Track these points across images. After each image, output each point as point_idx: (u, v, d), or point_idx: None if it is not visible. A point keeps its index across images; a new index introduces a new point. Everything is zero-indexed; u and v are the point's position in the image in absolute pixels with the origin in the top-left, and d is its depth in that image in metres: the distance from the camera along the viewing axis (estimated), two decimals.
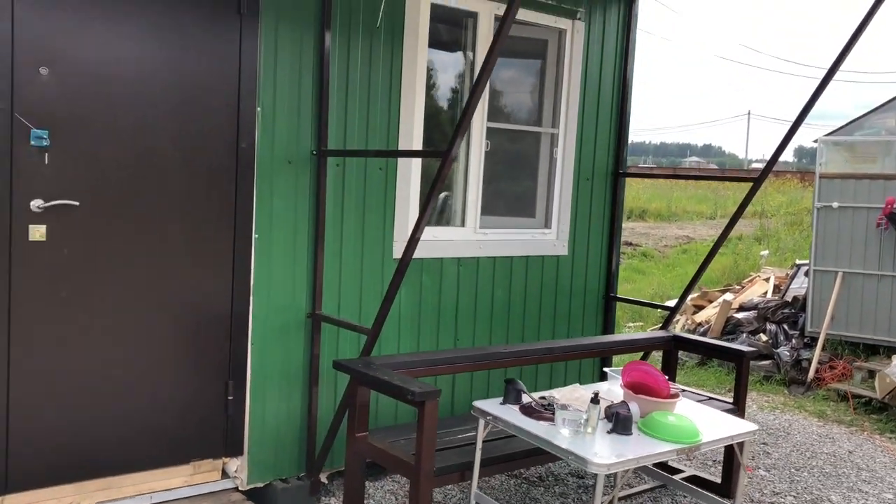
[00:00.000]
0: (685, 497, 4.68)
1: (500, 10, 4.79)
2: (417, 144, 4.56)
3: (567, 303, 5.42)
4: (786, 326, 8.27)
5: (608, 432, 3.35)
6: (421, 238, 4.30)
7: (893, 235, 7.46)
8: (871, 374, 7.20)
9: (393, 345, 4.60)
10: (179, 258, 3.83)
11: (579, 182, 5.39)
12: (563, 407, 3.37)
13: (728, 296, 9.32)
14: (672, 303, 8.69)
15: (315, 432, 4.30)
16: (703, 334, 8.65)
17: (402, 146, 4.50)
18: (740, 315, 8.66)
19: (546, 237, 5.25)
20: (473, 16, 4.77)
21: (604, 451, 3.15)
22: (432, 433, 3.36)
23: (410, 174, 4.54)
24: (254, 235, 4.03)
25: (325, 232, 4.24)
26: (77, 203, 3.51)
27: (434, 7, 4.55)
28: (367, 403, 3.76)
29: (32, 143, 3.39)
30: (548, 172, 5.29)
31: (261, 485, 4.20)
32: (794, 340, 8.04)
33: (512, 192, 5.25)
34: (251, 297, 4.05)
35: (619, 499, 4.48)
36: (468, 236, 4.86)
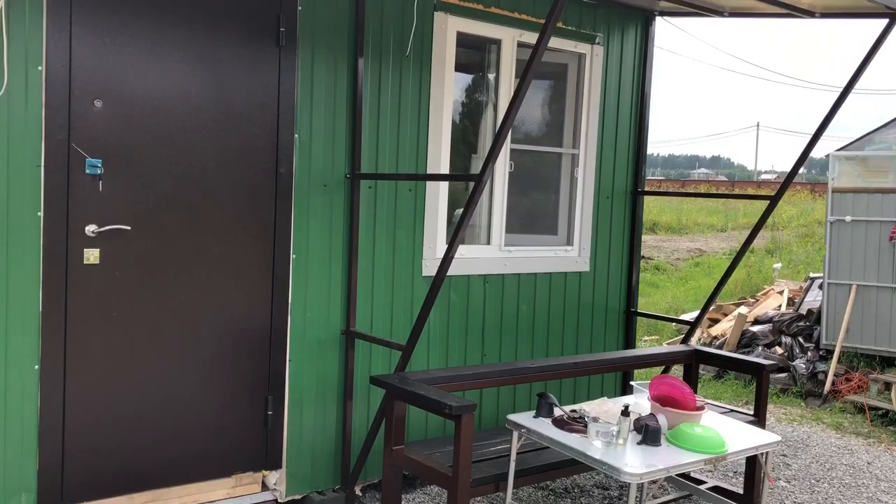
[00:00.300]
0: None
1: (523, 36, 4.97)
2: (445, 166, 4.73)
3: (589, 318, 5.57)
4: (801, 339, 8.38)
5: (638, 443, 3.49)
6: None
7: None
8: (888, 385, 7.30)
9: (423, 360, 4.75)
10: (222, 279, 4.01)
11: (599, 200, 5.55)
12: (595, 419, 3.52)
13: (743, 309, 9.43)
14: (688, 316, 8.81)
15: (350, 445, 4.46)
16: (719, 347, 8.77)
17: (430, 168, 4.67)
18: (756, 328, 8.78)
19: (568, 254, 5.41)
20: (497, 42, 4.95)
21: (635, 462, 3.29)
22: (469, 445, 3.51)
23: (438, 195, 4.71)
24: (292, 256, 4.20)
25: (358, 251, 4.40)
26: (129, 228, 3.69)
27: (460, 35, 4.73)
28: (404, 417, 3.91)
29: (87, 171, 3.58)
30: (569, 191, 5.45)
31: (298, 497, 4.35)
32: (809, 353, 8.15)
33: (535, 211, 5.42)
34: (289, 315, 4.22)
35: None
36: (494, 254, 5.03)
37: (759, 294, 10.40)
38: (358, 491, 4.57)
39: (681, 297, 12.89)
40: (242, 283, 4.07)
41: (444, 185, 4.75)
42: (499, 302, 5.08)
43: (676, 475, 4.45)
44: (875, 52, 4.48)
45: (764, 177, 54.01)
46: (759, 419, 4.68)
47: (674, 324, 10.51)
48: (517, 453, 3.79)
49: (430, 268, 4.71)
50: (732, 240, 19.73)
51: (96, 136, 3.59)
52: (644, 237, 21.03)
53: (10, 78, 3.36)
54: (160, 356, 3.86)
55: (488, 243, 5.03)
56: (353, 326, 4.41)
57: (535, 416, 3.75)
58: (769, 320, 8.83)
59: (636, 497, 4.09)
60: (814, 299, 8.85)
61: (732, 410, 4.89)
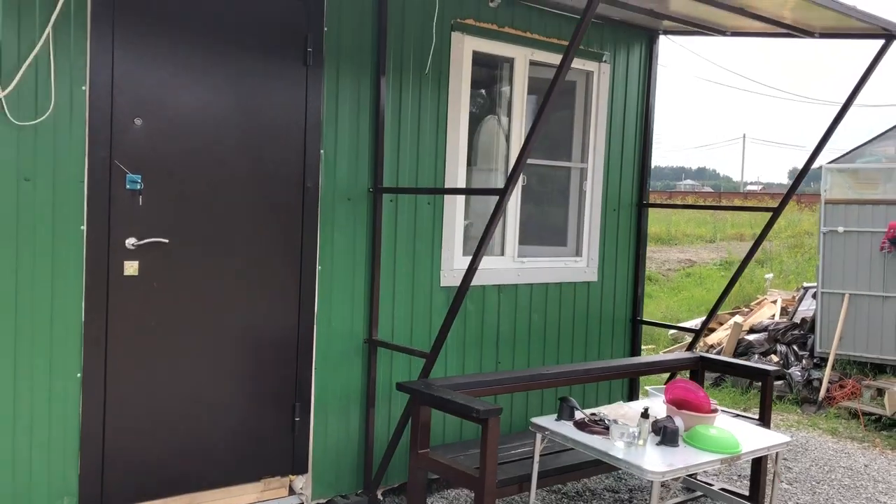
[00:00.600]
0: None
1: (534, 55, 5.17)
2: (462, 180, 4.91)
3: (597, 326, 5.75)
4: (795, 347, 8.60)
5: (657, 444, 3.67)
6: (466, 267, 4.66)
7: None
8: (880, 392, 7.51)
9: (441, 367, 4.91)
10: (252, 289, 4.16)
11: (606, 213, 5.74)
12: (615, 422, 3.69)
13: (738, 318, 9.65)
14: (690, 324, 9.02)
15: (372, 451, 4.61)
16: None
17: (448, 182, 4.84)
18: (751, 337, 8.99)
19: (577, 265, 5.60)
20: (510, 60, 5.14)
21: (656, 461, 3.46)
22: (495, 447, 3.67)
23: (455, 208, 4.89)
24: (317, 267, 4.36)
25: (380, 262, 4.57)
26: (167, 241, 3.84)
27: (475, 53, 4.92)
28: (429, 422, 4.07)
29: (128, 186, 3.73)
30: (578, 204, 5.64)
31: (323, 500, 4.49)
32: (804, 361, 8.36)
33: (545, 223, 5.60)
34: (315, 325, 4.37)
35: None
36: (507, 265, 5.20)
37: (752, 304, 10.63)
38: (379, 495, 4.71)
39: (674, 307, 13.11)
40: (271, 293, 4.22)
41: (461, 199, 4.92)
42: (512, 311, 5.25)
43: (687, 476, 4.63)
44: (872, 70, 4.69)
45: (749, 188, 54.57)
46: (764, 422, 4.87)
47: (669, 334, 10.72)
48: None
49: (447, 278, 4.88)
50: (722, 250, 20.00)
51: (136, 153, 3.74)
52: None
53: (57, 98, 3.51)
54: (194, 365, 4.00)
55: (502, 254, 5.21)
56: (375, 335, 4.56)
57: (557, 420, 3.92)
58: (764, 329, 9.05)
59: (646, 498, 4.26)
60: (807, 308, 9.08)
61: (738, 415, 5.07)
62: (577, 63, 5.44)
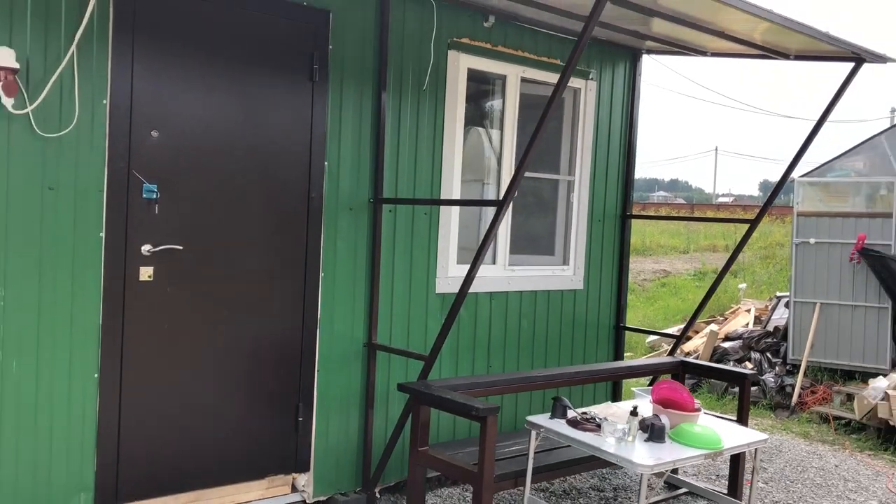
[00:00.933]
0: (704, 501, 5.22)
1: (526, 72, 5.42)
2: (457, 191, 5.14)
3: (583, 332, 6.00)
4: (769, 354, 8.93)
5: (645, 441, 3.91)
6: (459, 276, 4.88)
7: (865, 269, 8.16)
8: (850, 397, 7.83)
9: (435, 371, 5.12)
10: (259, 295, 4.35)
11: (592, 223, 6.00)
12: (605, 420, 3.92)
13: (714, 326, 9.96)
14: (672, 330, 9.30)
15: (370, 450, 4.80)
16: None
17: (443, 193, 5.07)
18: (726, 344, 9.29)
19: (565, 273, 5.84)
20: (503, 77, 5.39)
21: (645, 456, 3.70)
22: (493, 444, 3.89)
23: (451, 218, 5.11)
24: (321, 274, 4.56)
25: (380, 270, 4.78)
26: (181, 247, 4.02)
27: (470, 70, 5.16)
28: (429, 421, 4.27)
29: (144, 195, 3.91)
30: (565, 215, 5.90)
31: (324, 498, 4.68)
32: (777, 367, 8.68)
33: (534, 233, 5.85)
34: (318, 329, 4.57)
35: None
36: (499, 273, 5.43)
37: (727, 312, 10.95)
38: (376, 493, 4.90)
39: (651, 315, 13.43)
40: (277, 299, 4.42)
41: (455, 210, 5.15)
42: (503, 317, 5.48)
43: (670, 474, 4.88)
44: (844, 90, 5.00)
45: (721, 199, 55.38)
46: (742, 423, 5.12)
47: (646, 343, 11.02)
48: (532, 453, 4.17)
49: (442, 285, 5.10)
50: (695, 261, 20.42)
51: (152, 164, 3.93)
52: None
53: (80, 111, 3.69)
54: (204, 366, 4.18)
55: (494, 263, 5.44)
56: (374, 339, 4.77)
57: (550, 418, 4.15)
58: (739, 337, 9.36)
59: (633, 495, 4.49)
60: (780, 317, 9.41)
61: (718, 416, 5.33)
62: None
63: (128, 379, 3.94)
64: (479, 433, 3.91)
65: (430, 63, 4.92)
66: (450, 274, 5.12)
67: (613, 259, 6.19)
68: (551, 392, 5.71)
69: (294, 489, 4.61)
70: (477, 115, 5.50)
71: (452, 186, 5.11)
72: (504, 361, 5.51)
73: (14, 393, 3.62)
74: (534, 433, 4.11)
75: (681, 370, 5.62)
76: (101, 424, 3.86)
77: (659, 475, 4.15)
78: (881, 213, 8.17)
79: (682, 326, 8.81)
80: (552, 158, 5.89)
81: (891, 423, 6.86)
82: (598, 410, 4.24)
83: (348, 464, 4.77)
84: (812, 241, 8.52)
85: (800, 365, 8.34)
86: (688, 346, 9.99)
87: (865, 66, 4.89)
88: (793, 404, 8.05)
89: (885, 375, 7.58)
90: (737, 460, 5.04)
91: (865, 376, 8.09)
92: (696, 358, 9.39)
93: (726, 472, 5.70)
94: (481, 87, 5.46)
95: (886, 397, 6.95)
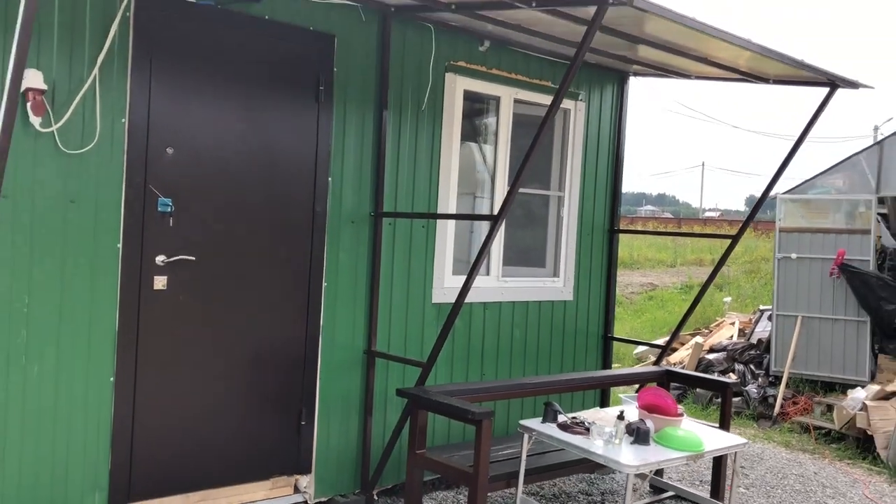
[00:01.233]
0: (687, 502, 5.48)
1: (519, 94, 5.69)
2: (453, 206, 5.38)
3: (573, 341, 6.24)
4: (752, 366, 9.19)
5: (631, 443, 4.15)
6: (455, 286, 5.11)
7: (845, 284, 8.44)
8: (830, 408, 8.09)
9: (431, 378, 5.32)
10: (265, 303, 4.57)
11: (581, 237, 6.25)
12: (594, 423, 4.16)
13: (699, 339, 10.22)
14: (659, 341, 9.56)
15: (369, 453, 5.02)
16: None
17: (440, 208, 5.31)
18: (711, 356, 9.55)
19: (555, 284, 6.09)
20: (496, 98, 5.65)
21: (631, 457, 3.94)
22: (488, 446, 4.11)
23: (447, 231, 5.36)
24: (324, 284, 4.78)
25: (379, 280, 5.01)
26: (193, 258, 4.24)
27: (466, 92, 5.42)
28: (426, 425, 4.50)
29: (159, 208, 4.13)
30: (556, 229, 6.15)
31: (324, 499, 4.89)
32: (760, 379, 8.95)
33: (526, 246, 6.10)
34: (320, 337, 4.79)
35: None
36: (492, 284, 5.68)
37: (712, 325, 11.22)
38: (375, 495, 5.11)
39: (638, 327, 13.69)
40: (282, 307, 4.64)
41: (451, 223, 5.39)
42: (496, 326, 5.72)
43: (656, 477, 5.12)
44: (820, 112, 5.28)
45: (708, 214, 55.90)
46: (725, 429, 5.37)
47: (633, 354, 11.27)
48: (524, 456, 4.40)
49: (438, 295, 5.33)
50: (682, 275, 20.73)
51: (167, 179, 4.15)
52: None
53: (101, 129, 3.92)
54: (213, 372, 4.40)
55: (487, 274, 5.68)
56: (374, 347, 4.99)
57: (542, 422, 4.38)
58: (723, 349, 9.62)
59: (621, 497, 4.73)
60: (763, 329, 9.69)
61: (702, 423, 5.57)
62: None
63: (141, 383, 4.14)
64: (475, 436, 4.14)
65: (428, 85, 5.18)
66: (445, 284, 5.36)
67: (602, 271, 6.44)
68: (542, 398, 5.94)
69: (296, 490, 4.81)
70: (472, 133, 5.76)
71: (449, 201, 5.35)
72: (497, 369, 5.74)
73: (35, 396, 3.83)
74: (526, 436, 4.33)
75: (666, 379, 5.87)
76: (115, 426, 4.06)
77: (643, 476, 4.38)
78: (860, 229, 8.47)
79: (668, 338, 9.04)
80: (543, 175, 6.15)
81: (869, 432, 7.12)
82: (587, 415, 4.48)
83: (348, 466, 4.98)
84: (794, 256, 8.81)
85: (782, 376, 8.60)
86: (674, 358, 10.24)
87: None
88: (775, 414, 8.30)
89: (863, 387, 7.84)
90: (719, 465, 5.28)
91: (845, 387, 8.34)
92: (683, 369, 9.65)
93: (709, 476, 5.94)
94: (476, 107, 5.72)
95: (865, 408, 7.21)
